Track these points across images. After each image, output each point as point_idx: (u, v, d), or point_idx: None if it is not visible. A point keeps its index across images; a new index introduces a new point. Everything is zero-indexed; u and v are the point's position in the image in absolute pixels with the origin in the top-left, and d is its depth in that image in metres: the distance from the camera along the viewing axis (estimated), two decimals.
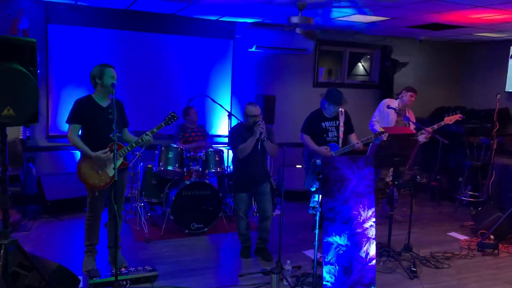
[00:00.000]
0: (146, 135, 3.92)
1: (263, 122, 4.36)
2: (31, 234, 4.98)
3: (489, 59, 8.12)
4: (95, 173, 3.88)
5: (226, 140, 6.37)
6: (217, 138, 6.89)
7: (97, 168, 3.88)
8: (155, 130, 3.96)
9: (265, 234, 4.62)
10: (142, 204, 5.45)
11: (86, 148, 3.84)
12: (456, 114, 5.42)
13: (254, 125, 4.32)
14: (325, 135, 5.08)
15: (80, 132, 3.91)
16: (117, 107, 3.61)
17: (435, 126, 5.41)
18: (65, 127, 3.89)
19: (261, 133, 4.27)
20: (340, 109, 5.13)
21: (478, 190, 6.54)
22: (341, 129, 5.14)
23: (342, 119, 5.15)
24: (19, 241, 2.98)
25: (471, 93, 8.46)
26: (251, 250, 4.68)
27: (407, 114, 5.66)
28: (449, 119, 5.40)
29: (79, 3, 5.75)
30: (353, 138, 5.20)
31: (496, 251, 4.94)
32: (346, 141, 5.20)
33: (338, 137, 5.13)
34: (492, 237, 5.07)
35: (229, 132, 4.68)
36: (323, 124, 5.10)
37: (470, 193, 6.63)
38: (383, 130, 4.89)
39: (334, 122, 5.13)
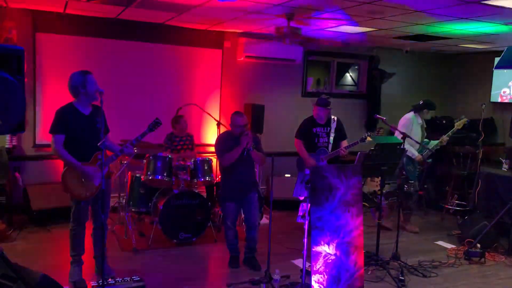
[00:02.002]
0: (127, 146, 3.89)
1: (250, 132, 4.37)
2: (16, 244, 4.91)
3: (474, 70, 8.26)
4: (81, 183, 3.82)
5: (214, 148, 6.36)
6: (206, 147, 6.88)
7: (83, 178, 3.83)
8: (139, 137, 3.95)
9: (253, 243, 4.61)
10: (130, 213, 5.41)
11: (74, 161, 3.77)
12: (462, 118, 5.75)
13: (241, 135, 4.35)
14: (316, 140, 5.31)
15: None
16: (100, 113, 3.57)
17: (450, 133, 5.69)
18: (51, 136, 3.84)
19: (247, 143, 4.29)
20: (333, 116, 5.35)
21: (464, 199, 6.61)
22: (332, 135, 5.32)
23: (333, 126, 5.34)
24: (4, 251, 2.94)
25: (456, 103, 8.58)
26: (239, 260, 4.66)
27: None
28: (458, 124, 5.73)
29: (67, 12, 5.74)
30: (343, 144, 5.36)
31: (482, 260, 4.99)
32: (337, 147, 5.35)
33: (328, 142, 5.32)
34: (478, 245, 5.10)
35: (216, 140, 4.70)
36: (314, 129, 5.32)
37: (456, 202, 6.69)
38: (368, 135, 5.11)
39: (325, 128, 5.34)
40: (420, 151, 5.72)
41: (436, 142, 5.75)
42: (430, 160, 5.90)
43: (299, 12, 5.03)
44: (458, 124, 5.70)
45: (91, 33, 6.11)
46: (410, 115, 5.84)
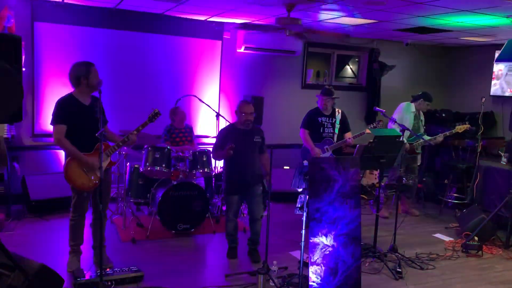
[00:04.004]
0: (132, 134, 3.90)
1: (252, 123, 4.35)
2: (15, 234, 4.91)
3: (474, 63, 8.23)
4: (84, 174, 3.83)
5: (214, 140, 6.35)
6: (205, 139, 6.87)
7: (86, 169, 3.83)
8: (140, 128, 3.94)
9: (255, 236, 4.61)
10: (128, 204, 5.41)
11: (77, 151, 3.77)
12: (465, 124, 5.88)
13: (244, 124, 4.35)
14: (321, 130, 5.39)
15: None
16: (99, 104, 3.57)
17: (447, 133, 5.82)
18: (51, 126, 3.83)
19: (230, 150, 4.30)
20: (337, 109, 5.48)
21: (463, 192, 6.62)
22: (337, 126, 5.42)
23: (338, 117, 5.46)
24: (2, 241, 2.94)
25: (456, 96, 8.56)
26: (237, 251, 4.68)
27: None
28: (459, 128, 5.80)
29: (66, 1, 5.71)
30: (347, 136, 5.44)
31: (480, 252, 5.01)
32: (342, 139, 5.43)
33: (333, 133, 5.42)
34: (476, 238, 5.12)
35: (218, 132, 4.71)
36: (319, 119, 5.41)
37: (455, 195, 6.70)
38: (374, 126, 5.25)
39: (330, 119, 5.44)
40: (411, 140, 5.78)
41: (428, 137, 5.81)
42: (420, 152, 5.97)
43: (300, 2, 5.00)
44: (458, 128, 5.79)
45: (90, 23, 6.07)
46: (405, 103, 6.07)
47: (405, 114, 5.95)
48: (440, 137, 5.83)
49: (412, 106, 6.00)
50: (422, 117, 6.13)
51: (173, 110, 5.73)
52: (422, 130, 6.03)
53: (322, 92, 5.43)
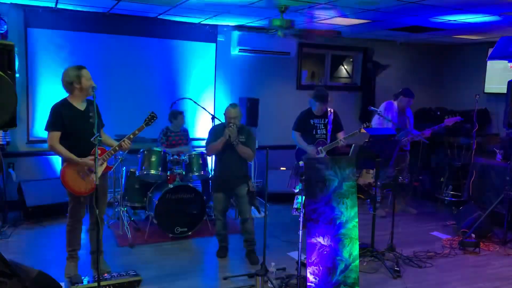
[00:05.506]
0: (124, 141, 3.89)
1: (235, 125, 4.34)
2: (11, 241, 4.90)
3: (468, 61, 8.27)
4: (80, 179, 3.82)
5: None
6: (200, 142, 6.86)
7: (82, 174, 3.83)
8: (136, 132, 3.94)
9: (248, 236, 4.61)
10: (125, 208, 5.40)
11: (70, 155, 3.76)
12: (455, 116, 5.77)
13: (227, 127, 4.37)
14: (314, 132, 5.32)
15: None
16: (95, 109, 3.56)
17: (436, 128, 5.76)
18: (46, 132, 3.82)
19: (230, 136, 4.31)
20: (329, 108, 5.37)
21: (459, 190, 6.64)
22: (330, 127, 5.33)
23: (330, 117, 5.36)
24: None
25: (451, 94, 8.60)
26: (228, 250, 4.72)
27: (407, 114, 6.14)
28: (449, 121, 5.74)
29: (59, 6, 5.70)
30: (340, 136, 5.37)
31: (477, 249, 5.02)
32: (335, 139, 5.36)
33: (326, 134, 5.34)
34: (473, 235, 5.14)
35: (210, 129, 4.72)
36: (311, 121, 5.34)
37: (451, 192, 6.72)
38: (367, 125, 5.16)
39: (323, 120, 5.36)
40: (399, 136, 5.83)
41: (418, 133, 5.90)
42: (408, 149, 6.04)
43: (293, 4, 5.01)
44: (448, 121, 5.79)
45: (83, 27, 6.06)
46: (386, 101, 6.11)
47: (388, 112, 5.95)
48: (428, 131, 5.80)
49: (394, 104, 6.03)
50: (409, 114, 6.15)
51: (174, 114, 5.71)
52: (409, 127, 6.05)
53: (315, 95, 5.27)
